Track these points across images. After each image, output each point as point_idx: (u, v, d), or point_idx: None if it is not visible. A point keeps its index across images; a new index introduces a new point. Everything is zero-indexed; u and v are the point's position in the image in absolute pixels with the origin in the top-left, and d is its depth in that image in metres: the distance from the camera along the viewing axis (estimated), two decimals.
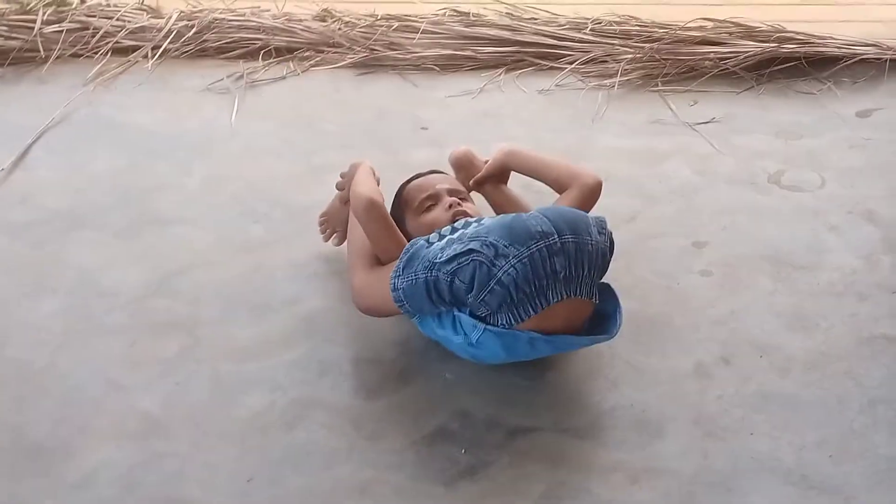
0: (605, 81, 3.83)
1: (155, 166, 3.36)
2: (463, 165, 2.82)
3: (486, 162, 2.80)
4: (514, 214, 2.30)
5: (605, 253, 2.32)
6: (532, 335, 2.24)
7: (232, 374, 2.48)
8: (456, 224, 2.45)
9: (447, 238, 2.34)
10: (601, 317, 2.37)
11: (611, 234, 2.36)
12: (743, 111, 3.66)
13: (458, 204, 2.60)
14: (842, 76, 3.85)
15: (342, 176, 2.74)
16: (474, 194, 2.78)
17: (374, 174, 2.64)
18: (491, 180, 2.77)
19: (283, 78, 3.98)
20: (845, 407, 2.34)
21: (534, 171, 2.71)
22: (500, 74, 3.94)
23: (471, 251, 2.20)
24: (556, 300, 2.22)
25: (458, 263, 2.20)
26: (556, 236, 2.21)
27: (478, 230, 2.27)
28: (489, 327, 2.24)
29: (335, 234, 2.82)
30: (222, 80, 3.92)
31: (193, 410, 2.38)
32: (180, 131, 3.59)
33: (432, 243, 2.34)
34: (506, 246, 2.19)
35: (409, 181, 2.73)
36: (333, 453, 2.25)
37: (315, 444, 2.28)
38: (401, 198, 2.68)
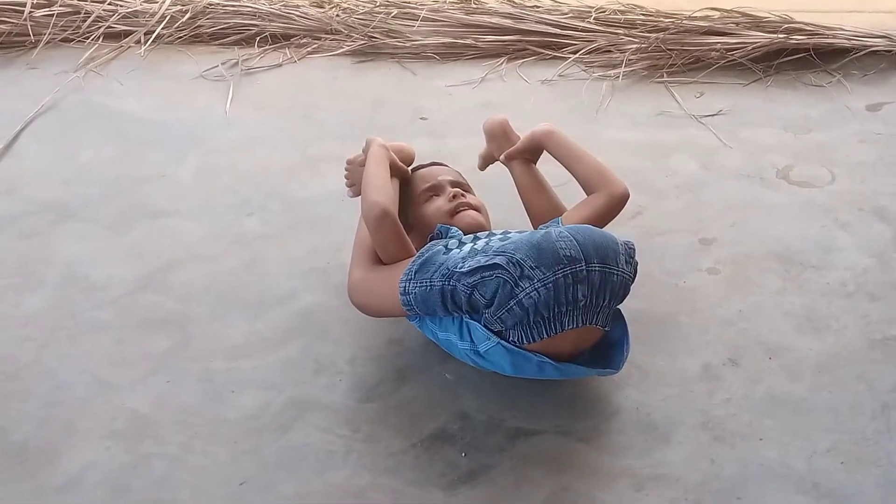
0: (610, 72, 3.74)
1: (146, 156, 3.28)
2: (496, 136, 2.70)
3: (520, 138, 2.68)
4: (543, 232, 2.18)
5: (628, 284, 2.23)
6: (542, 360, 2.16)
7: (224, 373, 2.40)
8: (479, 234, 2.36)
9: (469, 247, 2.26)
10: (606, 342, 2.29)
11: (636, 263, 2.27)
12: (750, 103, 3.57)
13: (462, 195, 2.53)
14: (851, 68, 3.76)
15: (364, 151, 2.61)
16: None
17: (387, 157, 2.53)
18: (522, 156, 2.66)
19: (279, 65, 3.89)
20: (857, 412, 2.26)
21: (566, 159, 2.58)
22: (501, 64, 3.85)
23: (496, 266, 2.10)
24: (570, 327, 2.15)
25: (482, 277, 2.11)
26: (583, 264, 2.12)
27: (504, 245, 2.16)
28: (503, 342, 2.16)
29: (352, 187, 2.68)
30: (217, 66, 3.84)
31: (184, 410, 2.30)
32: (173, 119, 3.50)
33: (450, 250, 2.26)
34: (532, 268, 2.10)
35: (411, 171, 2.66)
36: (329, 457, 2.18)
37: (310, 448, 2.20)
38: (403, 189, 2.60)
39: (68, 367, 2.42)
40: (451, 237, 2.39)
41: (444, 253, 2.24)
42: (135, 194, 3.07)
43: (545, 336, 2.13)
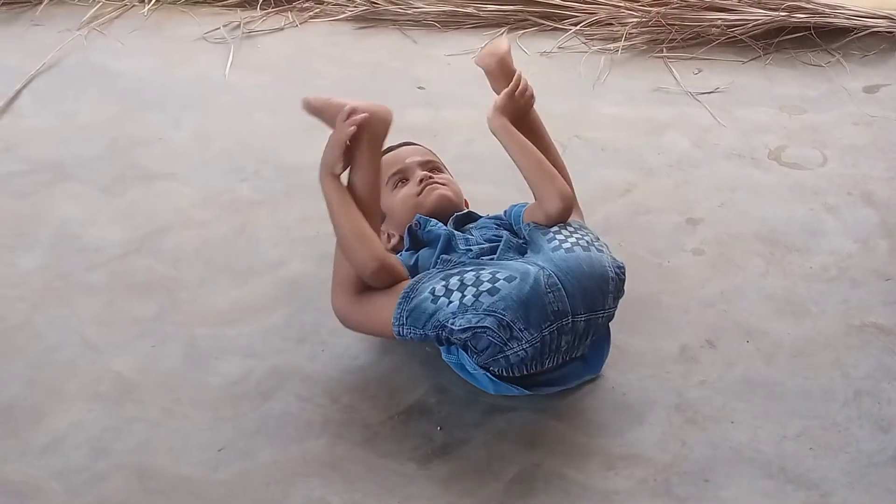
0: (609, 45, 3.75)
1: (144, 117, 3.31)
2: (492, 74, 2.59)
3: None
4: (532, 281, 2.11)
5: (611, 318, 2.27)
6: (522, 392, 2.22)
7: (209, 339, 2.44)
8: (465, 273, 2.18)
9: (458, 298, 2.14)
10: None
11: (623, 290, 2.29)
12: (748, 82, 3.57)
13: (430, 178, 2.52)
14: (851, 49, 3.75)
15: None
16: None
17: (344, 190, 2.34)
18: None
19: (281, 29, 3.90)
20: (830, 398, 2.29)
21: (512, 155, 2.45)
22: (502, 34, 3.85)
23: (486, 328, 2.11)
24: (550, 366, 2.21)
25: (474, 333, 2.12)
26: (569, 317, 2.14)
27: (494, 302, 2.11)
28: (488, 374, 2.20)
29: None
30: (218, 29, 3.86)
31: (168, 375, 2.35)
32: (172, 81, 3.53)
33: (438, 297, 2.17)
34: (521, 329, 2.11)
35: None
36: (307, 426, 2.22)
37: (289, 416, 2.24)
38: None
39: (57, 328, 2.47)
40: (430, 264, 2.33)
41: (432, 300, 2.17)
42: (131, 156, 3.11)
43: (525, 373, 2.20)
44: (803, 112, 3.39)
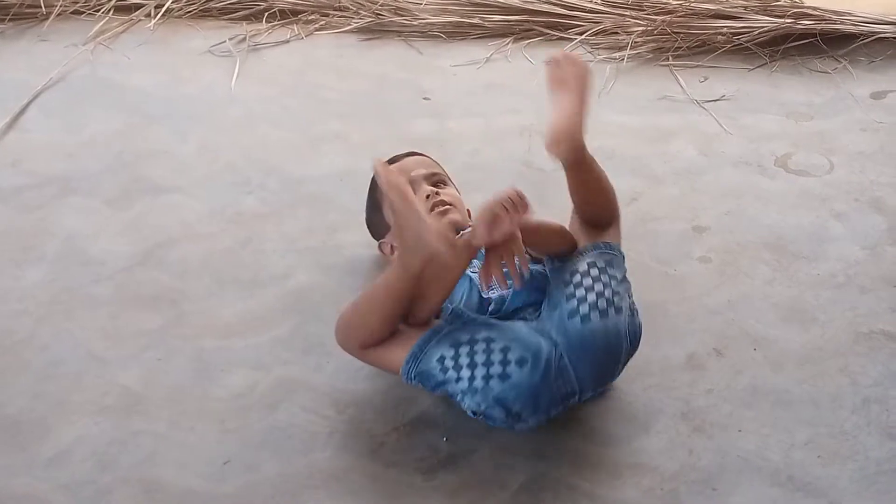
0: (615, 54, 3.74)
1: (151, 131, 3.32)
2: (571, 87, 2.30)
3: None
4: (543, 368, 2.08)
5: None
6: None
7: (215, 352, 2.44)
8: (476, 346, 2.11)
9: (467, 377, 2.10)
10: None
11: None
12: (754, 89, 3.56)
13: (436, 194, 2.49)
14: (858, 55, 3.74)
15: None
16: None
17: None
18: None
19: (287, 42, 3.91)
20: (838, 405, 2.28)
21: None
22: (507, 44, 3.85)
23: (494, 417, 2.12)
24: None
25: (483, 415, 2.13)
26: (577, 395, 2.16)
27: (504, 390, 2.08)
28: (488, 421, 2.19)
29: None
30: (224, 42, 3.86)
31: (174, 388, 2.34)
32: (179, 95, 3.54)
33: (447, 368, 2.13)
34: (529, 415, 2.11)
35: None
36: (312, 438, 2.21)
37: (295, 428, 2.23)
38: (377, 186, 2.56)
39: (63, 341, 2.47)
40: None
41: (440, 370, 2.14)
42: (137, 169, 3.11)
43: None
44: (810, 119, 3.38)
